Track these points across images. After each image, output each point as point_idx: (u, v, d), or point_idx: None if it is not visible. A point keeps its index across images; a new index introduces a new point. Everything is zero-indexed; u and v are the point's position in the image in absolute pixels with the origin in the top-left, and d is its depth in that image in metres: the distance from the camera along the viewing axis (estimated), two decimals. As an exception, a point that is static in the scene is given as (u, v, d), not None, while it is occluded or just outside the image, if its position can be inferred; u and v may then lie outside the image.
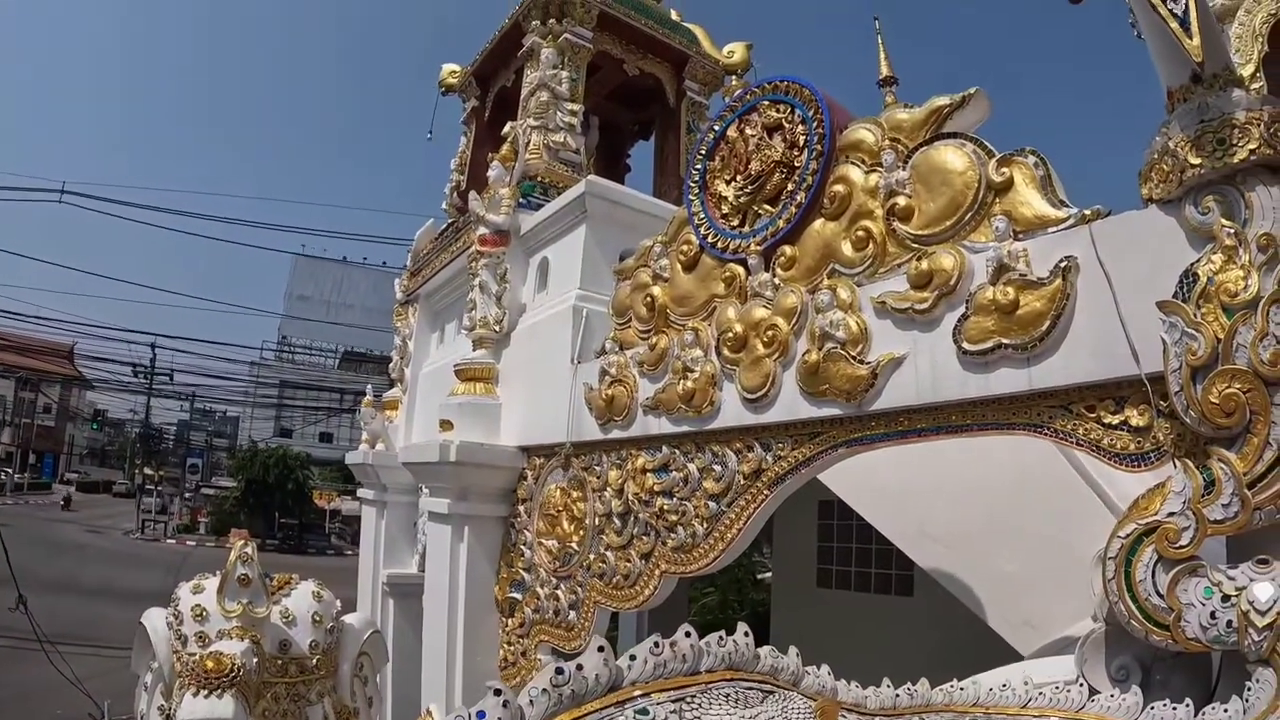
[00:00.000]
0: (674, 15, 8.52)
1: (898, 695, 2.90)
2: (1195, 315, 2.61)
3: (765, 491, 4.18)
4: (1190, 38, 2.52)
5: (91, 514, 46.57)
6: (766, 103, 4.33)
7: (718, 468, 4.40)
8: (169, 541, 41.19)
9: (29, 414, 61.32)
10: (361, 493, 9.65)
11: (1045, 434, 3.11)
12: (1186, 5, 2.52)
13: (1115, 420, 2.90)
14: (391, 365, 9.63)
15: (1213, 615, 2.51)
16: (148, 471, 51.28)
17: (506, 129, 7.19)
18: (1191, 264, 2.68)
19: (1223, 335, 2.56)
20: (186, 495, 51.56)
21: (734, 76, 8.12)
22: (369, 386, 9.85)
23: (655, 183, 8.58)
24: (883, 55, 4.45)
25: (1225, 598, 2.51)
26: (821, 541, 9.16)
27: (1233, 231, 2.60)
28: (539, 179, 7.00)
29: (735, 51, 8.41)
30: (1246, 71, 8.46)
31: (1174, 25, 2.54)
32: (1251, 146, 2.57)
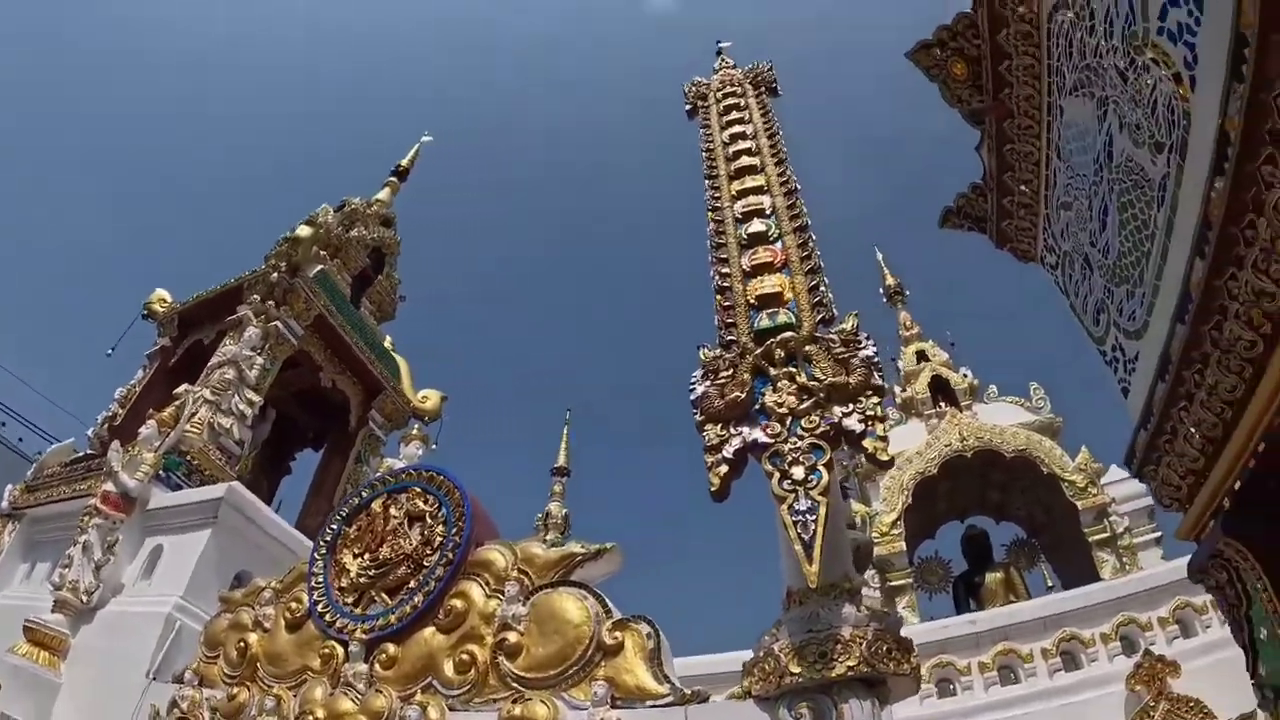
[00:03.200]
0: (387, 342, 8.43)
1: None
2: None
3: None
4: (810, 563, 2.63)
5: None
6: (418, 489, 4.12)
7: None
8: None
9: None
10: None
11: None
12: (815, 532, 2.65)
13: None
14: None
15: None
16: None
17: (181, 389, 6.49)
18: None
19: None
20: None
21: (420, 423, 8.00)
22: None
23: (307, 501, 7.95)
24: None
25: None
26: None
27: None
28: (189, 457, 6.22)
29: (429, 398, 8.37)
30: (889, 519, 9.58)
31: (798, 549, 2.65)
32: (850, 663, 2.68)
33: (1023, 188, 4.66)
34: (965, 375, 11.08)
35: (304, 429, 9.05)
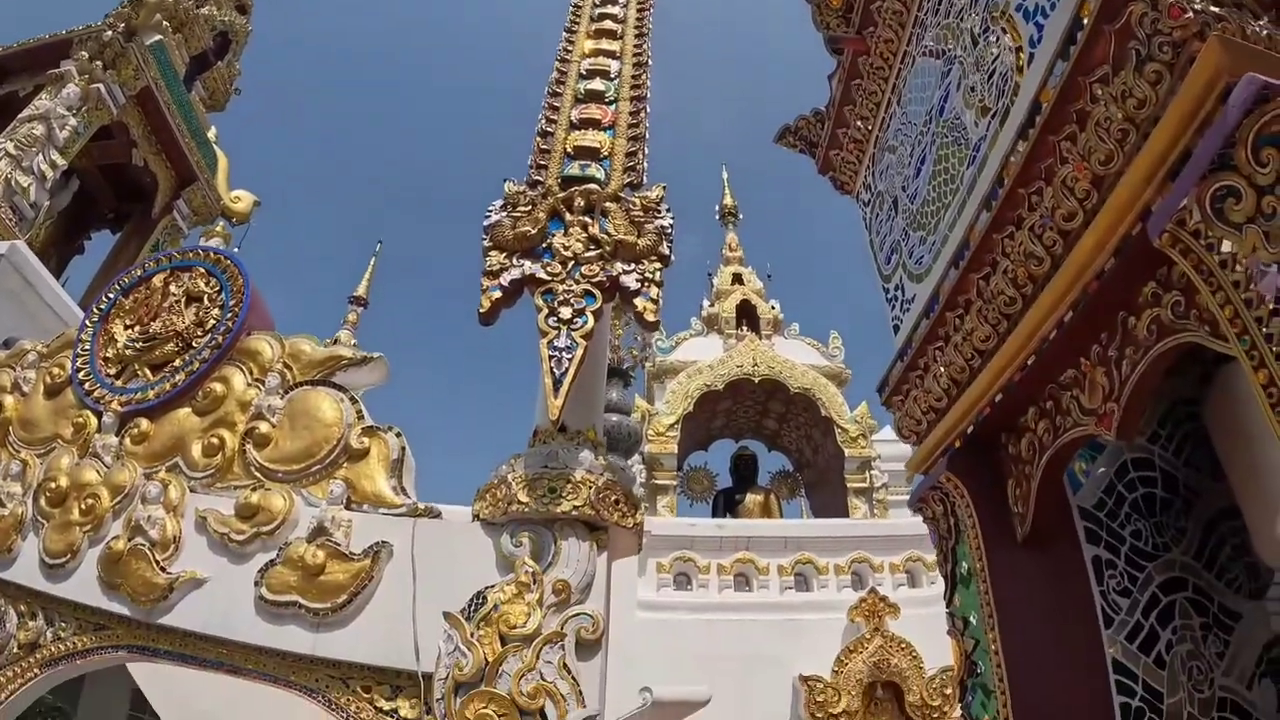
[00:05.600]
0: (211, 133, 7.79)
1: None
2: (472, 635, 2.66)
3: (35, 670, 3.39)
4: (555, 397, 2.68)
5: None
6: (203, 270, 3.89)
7: (-5, 625, 3.47)
8: None
9: None
10: None
11: (319, 701, 2.88)
12: (567, 371, 2.70)
13: (388, 707, 2.79)
14: None
15: None
16: None
17: (-17, 137, 5.77)
18: (487, 587, 2.74)
19: (492, 659, 2.61)
20: None
21: (226, 222, 7.50)
22: None
23: (94, 283, 7.36)
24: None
25: None
26: None
27: (531, 570, 2.73)
28: (-25, 210, 5.60)
29: (241, 200, 7.82)
30: (667, 421, 9.80)
31: (548, 381, 2.70)
32: (576, 503, 2.78)
33: (858, 123, 4.76)
34: (773, 307, 11.31)
35: (104, 208, 8.26)
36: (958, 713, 7.99)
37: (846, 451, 10.07)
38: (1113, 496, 3.31)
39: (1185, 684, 3.19)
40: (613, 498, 2.82)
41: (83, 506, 3.45)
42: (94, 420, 3.70)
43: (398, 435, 3.11)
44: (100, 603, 3.28)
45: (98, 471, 3.52)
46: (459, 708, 2.60)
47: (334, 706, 2.85)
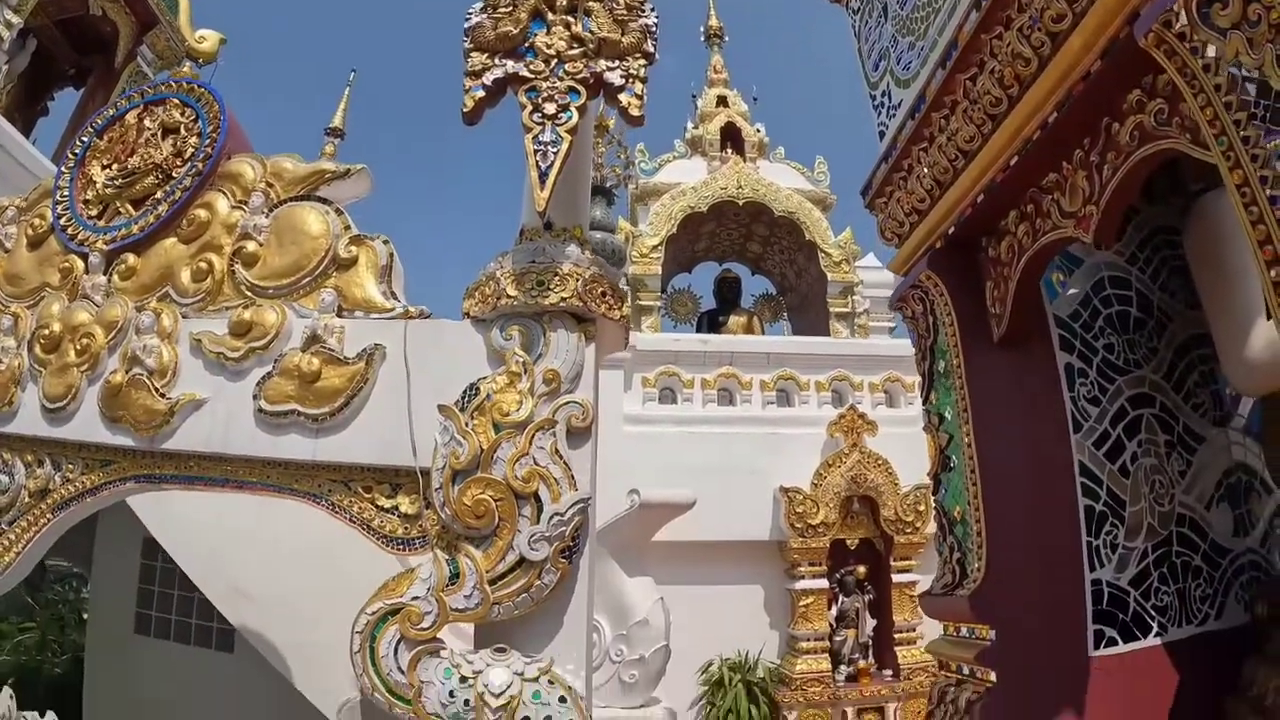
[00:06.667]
0: (170, -27, 7.39)
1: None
2: (467, 425, 2.68)
3: (48, 515, 3.44)
4: (541, 189, 2.64)
5: None
6: (177, 101, 3.78)
7: (4, 478, 3.53)
8: None
9: None
10: None
11: (322, 505, 2.95)
12: (553, 164, 2.65)
13: (388, 504, 2.86)
14: None
15: (451, 694, 2.55)
16: None
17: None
18: (478, 379, 2.76)
19: (486, 446, 2.65)
20: None
21: (193, 64, 7.18)
22: None
23: (63, 140, 7.06)
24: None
25: (463, 679, 2.56)
26: (144, 584, 7.90)
27: (521, 360, 2.75)
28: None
29: (207, 39, 7.49)
30: (651, 243, 9.71)
31: (534, 174, 2.66)
32: (564, 294, 2.78)
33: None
34: (758, 130, 10.98)
35: (65, 65, 7.89)
36: (930, 528, 8.28)
37: (829, 276, 10.03)
38: (1088, 309, 3.35)
39: (1147, 495, 3.27)
40: (599, 290, 2.82)
41: (78, 347, 3.43)
42: (80, 263, 3.65)
43: (385, 242, 3.07)
44: (104, 438, 3.31)
45: (89, 312, 3.48)
46: (456, 495, 2.64)
47: (337, 509, 2.91)
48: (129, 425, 3.22)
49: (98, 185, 3.72)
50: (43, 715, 4.45)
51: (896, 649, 8.32)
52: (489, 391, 2.70)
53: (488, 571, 2.62)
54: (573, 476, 2.67)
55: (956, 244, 3.23)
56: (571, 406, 2.72)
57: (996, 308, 3.04)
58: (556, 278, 2.78)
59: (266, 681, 5.88)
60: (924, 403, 3.47)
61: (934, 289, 3.26)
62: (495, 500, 2.63)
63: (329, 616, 5.36)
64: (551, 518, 2.62)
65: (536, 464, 2.65)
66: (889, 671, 8.43)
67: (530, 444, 2.65)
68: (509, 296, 2.78)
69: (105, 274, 3.56)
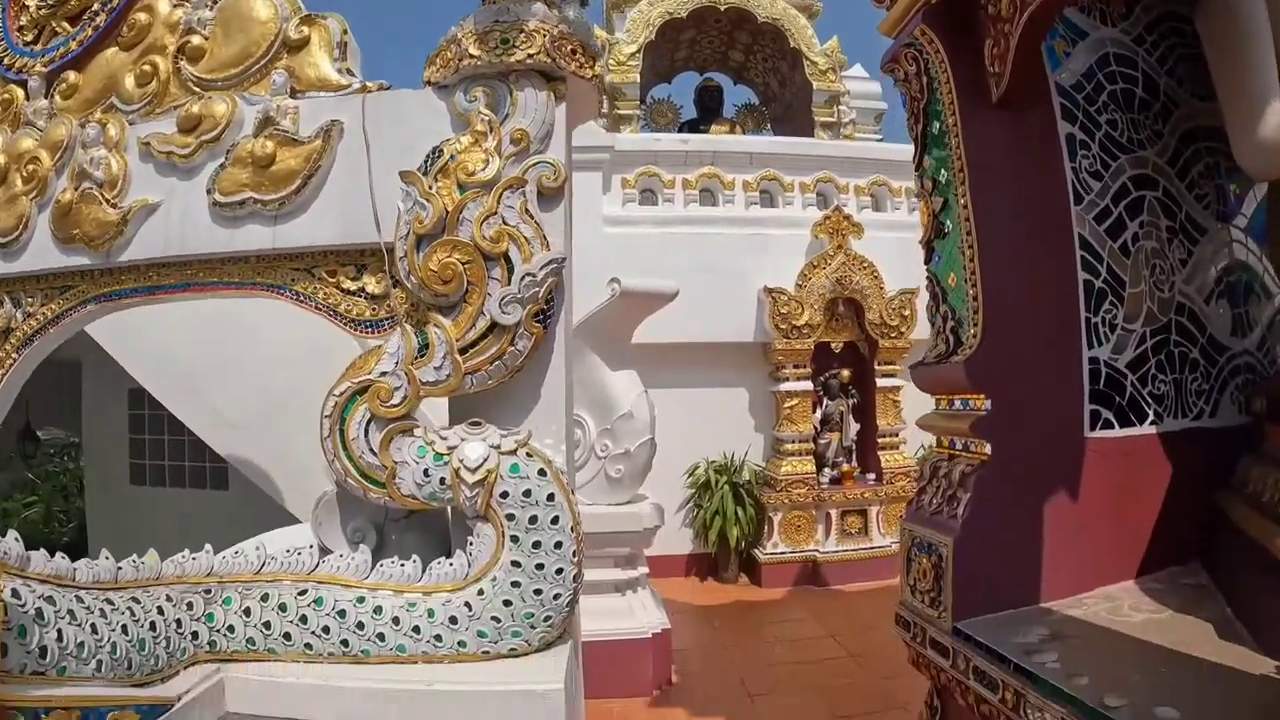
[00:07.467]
0: None
1: (120, 568, 2.32)
2: (430, 187, 2.59)
3: (14, 355, 3.32)
4: None
5: None
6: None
7: (-34, 322, 3.38)
8: None
9: None
10: None
11: (286, 296, 2.85)
12: None
13: (354, 286, 2.77)
14: None
15: (426, 473, 2.47)
16: None
17: None
18: (443, 141, 2.66)
19: (451, 208, 2.55)
20: None
21: None
22: None
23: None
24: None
25: (438, 456, 2.48)
26: (134, 434, 7.85)
27: (486, 119, 2.64)
28: None
29: None
30: (629, 50, 9.29)
31: None
32: (531, 50, 2.64)
33: None
34: None
35: None
36: (914, 334, 8.32)
37: (815, 85, 9.84)
38: (1091, 82, 3.25)
39: (1147, 279, 3.24)
40: (569, 47, 2.70)
41: (24, 174, 3.27)
42: (20, 92, 3.46)
43: (338, 20, 2.93)
44: (60, 262, 3.17)
45: (34, 138, 3.32)
46: (422, 260, 2.56)
47: (301, 298, 2.82)
48: (82, 243, 3.09)
49: (30, 9, 3.52)
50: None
51: (880, 453, 8.41)
52: (452, 153, 2.60)
53: (458, 340, 2.55)
54: (545, 236, 2.59)
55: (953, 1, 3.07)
56: (542, 166, 2.62)
57: (996, 66, 2.92)
58: (522, 34, 2.65)
59: (264, 513, 5.84)
60: (916, 169, 3.37)
61: (929, 45, 3.11)
62: (463, 263, 2.55)
63: (308, 428, 5.38)
64: (523, 278, 2.55)
65: (505, 223, 2.56)
66: (871, 475, 8.52)
67: (498, 203, 2.56)
68: (471, 56, 2.65)
69: (47, 97, 3.39)
